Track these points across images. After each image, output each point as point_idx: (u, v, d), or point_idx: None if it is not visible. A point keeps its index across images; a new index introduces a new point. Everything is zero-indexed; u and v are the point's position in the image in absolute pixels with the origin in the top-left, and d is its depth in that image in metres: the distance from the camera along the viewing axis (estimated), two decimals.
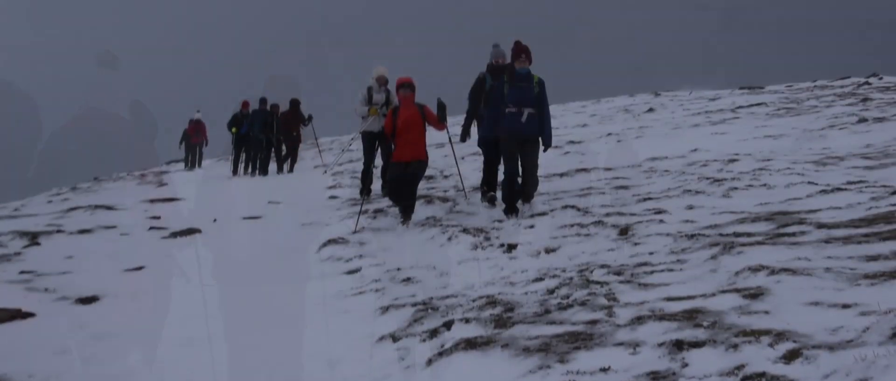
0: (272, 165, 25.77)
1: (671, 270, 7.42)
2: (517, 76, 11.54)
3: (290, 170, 24.89)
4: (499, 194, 12.30)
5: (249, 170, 25.35)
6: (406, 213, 12.24)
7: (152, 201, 18.44)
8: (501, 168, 12.03)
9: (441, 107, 12.39)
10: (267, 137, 24.90)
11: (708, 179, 12.35)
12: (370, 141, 15.19)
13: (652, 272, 7.41)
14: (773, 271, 6.45)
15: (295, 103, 24.83)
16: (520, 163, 11.59)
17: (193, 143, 31.27)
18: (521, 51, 11.60)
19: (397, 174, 12.23)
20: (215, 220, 14.84)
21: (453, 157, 14.87)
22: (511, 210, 11.45)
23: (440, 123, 12.40)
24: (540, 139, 11.58)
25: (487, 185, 12.87)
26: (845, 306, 5.50)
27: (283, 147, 25.28)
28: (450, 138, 14.49)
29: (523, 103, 11.46)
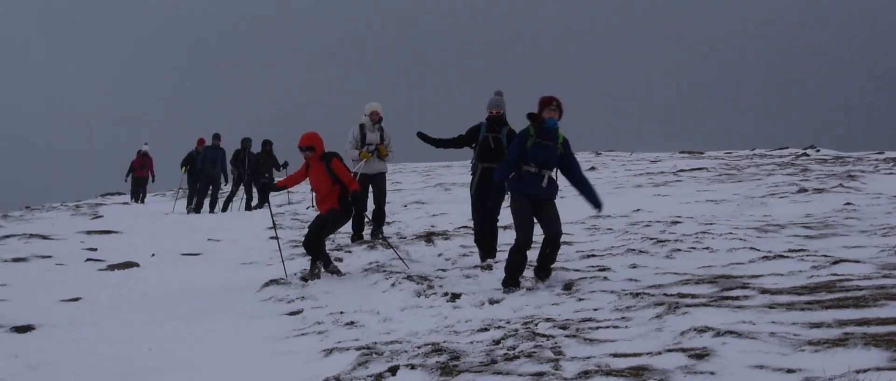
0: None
1: (616, 326, 7.44)
2: (545, 131, 9.77)
3: (258, 206, 24.43)
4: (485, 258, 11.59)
5: (196, 207, 24.89)
6: (312, 263, 11.64)
7: (89, 232, 18.20)
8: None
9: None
10: (238, 172, 24.56)
11: (651, 239, 12.44)
12: (364, 183, 14.39)
13: (597, 328, 7.42)
14: (718, 333, 6.50)
15: (267, 145, 24.41)
16: (543, 227, 9.84)
17: (137, 176, 30.23)
18: (552, 100, 9.81)
19: (313, 225, 11.74)
20: (153, 255, 14.68)
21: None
22: (513, 283, 9.70)
23: (352, 182, 11.72)
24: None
25: (481, 244, 11.62)
26: (790, 371, 5.56)
27: (254, 191, 24.82)
28: (358, 206, 12.81)
29: (546, 165, 9.80)
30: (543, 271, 9.97)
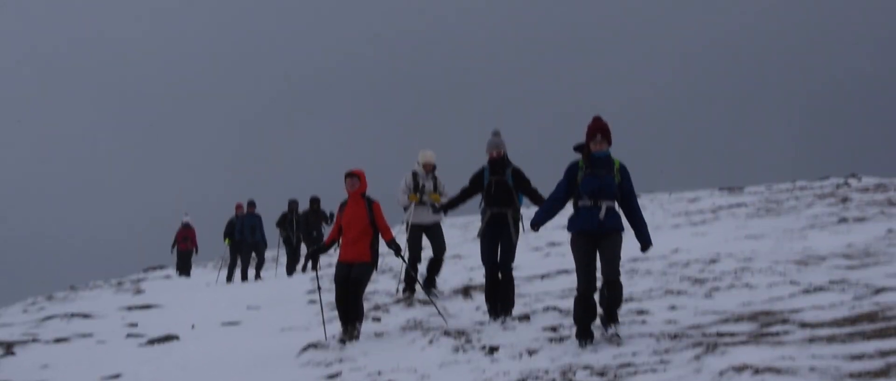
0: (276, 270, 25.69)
1: (654, 370, 7.36)
2: (594, 161, 9.23)
3: (303, 269, 24.81)
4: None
5: (242, 276, 24.90)
6: (346, 322, 11.36)
7: (130, 307, 18.29)
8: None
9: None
10: (286, 235, 24.82)
11: (690, 279, 12.33)
12: (417, 234, 14.31)
13: (635, 373, 7.34)
14: (757, 371, 6.40)
15: (314, 202, 24.77)
16: (601, 265, 9.24)
17: (181, 250, 29.01)
18: (596, 129, 9.26)
19: (339, 277, 11.47)
20: (193, 326, 14.70)
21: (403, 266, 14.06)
22: (586, 335, 9.01)
23: (388, 230, 11.50)
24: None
25: (492, 298, 11.30)
26: None
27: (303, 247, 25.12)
28: (399, 254, 12.05)
29: (602, 196, 9.13)
30: (608, 315, 9.26)
